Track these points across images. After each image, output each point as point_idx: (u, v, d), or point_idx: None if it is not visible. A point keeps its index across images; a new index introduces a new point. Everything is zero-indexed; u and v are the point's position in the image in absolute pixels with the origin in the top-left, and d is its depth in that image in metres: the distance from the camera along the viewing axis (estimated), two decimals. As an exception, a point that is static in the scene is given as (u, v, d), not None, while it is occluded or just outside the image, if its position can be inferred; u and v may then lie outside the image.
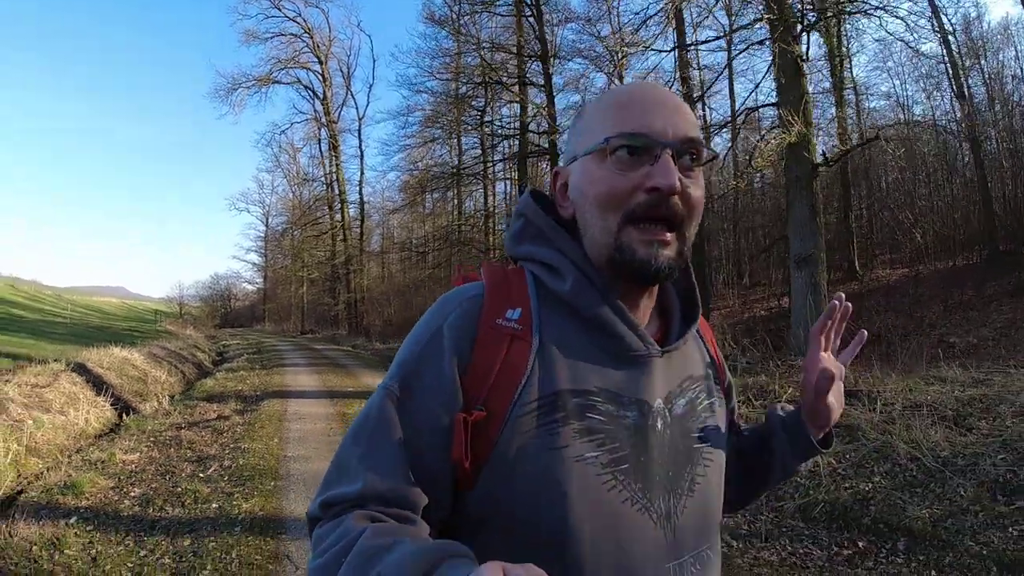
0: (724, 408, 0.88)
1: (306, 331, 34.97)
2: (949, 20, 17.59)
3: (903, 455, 4.23)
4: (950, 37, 17.12)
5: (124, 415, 8.36)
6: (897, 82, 21.36)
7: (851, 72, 20.44)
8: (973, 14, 19.12)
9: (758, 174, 16.01)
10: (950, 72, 17.94)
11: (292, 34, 31.66)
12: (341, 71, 32.85)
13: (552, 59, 15.58)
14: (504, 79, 17.36)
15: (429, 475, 0.69)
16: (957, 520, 3.44)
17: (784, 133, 8.14)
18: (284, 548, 3.65)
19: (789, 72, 8.81)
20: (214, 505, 4.38)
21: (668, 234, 0.72)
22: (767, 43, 9.38)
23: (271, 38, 31.02)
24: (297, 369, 13.74)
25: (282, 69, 31.38)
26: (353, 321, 30.20)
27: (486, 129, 19.87)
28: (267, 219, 43.95)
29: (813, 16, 9.17)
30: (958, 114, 17.72)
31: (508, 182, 23.25)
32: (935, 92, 20.74)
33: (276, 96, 45.61)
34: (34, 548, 3.61)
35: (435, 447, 0.69)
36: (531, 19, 16.03)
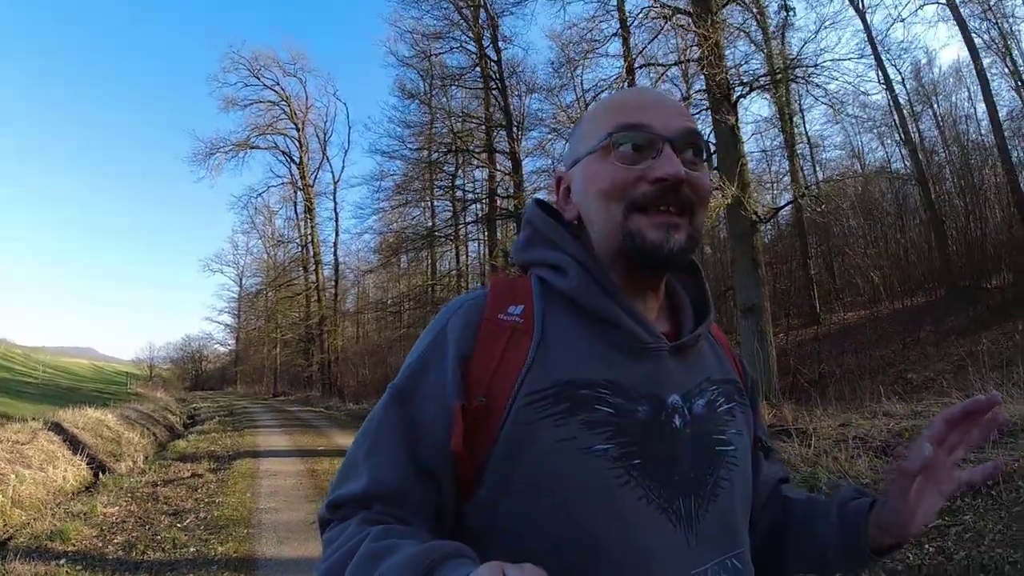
0: (748, 416, 0.86)
1: (278, 393, 34.85)
2: (898, 69, 19.08)
3: (825, 484, 4.68)
4: (897, 85, 18.46)
5: (100, 474, 8.67)
6: (851, 132, 22.76)
7: (804, 127, 21.97)
8: (924, 60, 20.32)
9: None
10: (896, 120, 19.23)
11: (270, 101, 32.81)
12: (318, 136, 33.91)
13: (517, 129, 16.65)
14: (473, 147, 18.41)
15: (432, 473, 0.70)
16: (917, 552, 3.77)
17: (722, 196, 9.00)
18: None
19: (724, 139, 9.76)
20: (192, 549, 4.83)
21: (679, 218, 0.74)
22: (706, 111, 10.32)
23: (249, 105, 32.16)
24: (269, 430, 14.03)
25: (260, 135, 32.39)
26: (326, 382, 30.29)
27: (457, 192, 20.85)
28: (241, 280, 44.14)
29: (740, 89, 10.23)
30: (907, 159, 19.07)
31: (479, 242, 24.10)
32: (887, 140, 22.31)
33: (253, 160, 46.33)
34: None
35: (437, 443, 0.69)
36: (495, 92, 17.16)
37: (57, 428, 9.98)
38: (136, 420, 14.38)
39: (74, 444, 9.59)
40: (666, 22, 10.32)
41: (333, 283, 32.55)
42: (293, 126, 32.96)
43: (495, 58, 16.77)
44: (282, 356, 38.69)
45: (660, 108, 0.76)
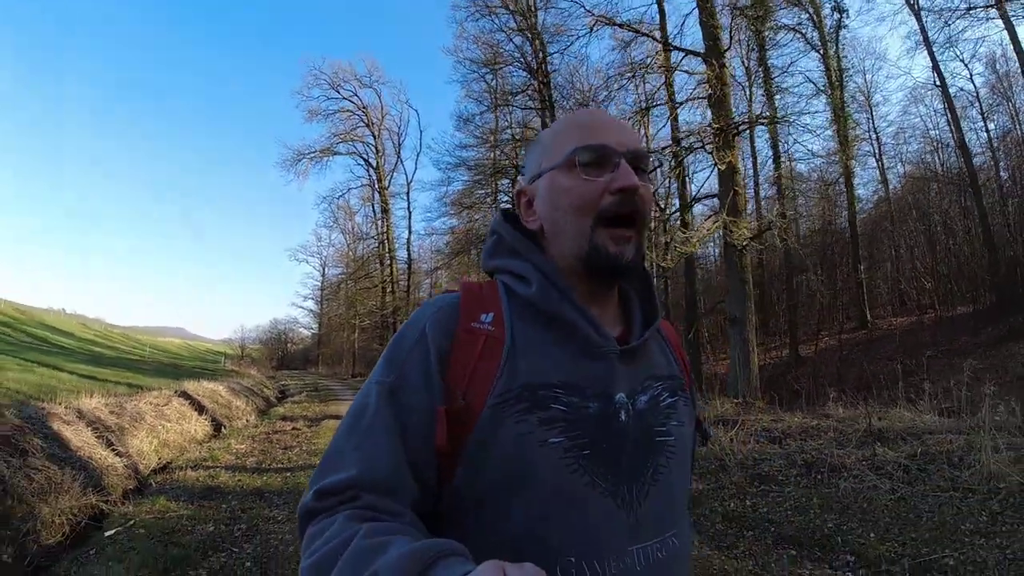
0: (689, 407, 0.94)
1: (356, 374, 38.21)
2: (966, 67, 19.23)
3: (729, 463, 6.29)
4: (963, 81, 18.68)
5: (219, 429, 11.38)
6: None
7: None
8: (999, 52, 20.05)
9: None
10: (951, 125, 19.73)
11: (349, 111, 36.08)
12: (392, 141, 37.01)
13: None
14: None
15: (416, 465, 0.75)
16: (739, 502, 5.17)
17: (715, 222, 10.75)
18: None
19: (725, 172, 11.48)
20: (300, 462, 7.31)
21: (629, 232, 0.84)
22: (706, 148, 12.03)
23: (331, 115, 35.51)
24: (348, 401, 16.69)
25: (340, 142, 35.67)
26: (399, 365, 33.21)
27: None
28: (324, 269, 47.71)
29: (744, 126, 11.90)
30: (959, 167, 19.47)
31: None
32: (938, 149, 22.81)
33: (334, 164, 50.11)
34: (197, 481, 6.51)
35: (421, 437, 0.75)
36: (547, 111, 19.24)
37: (184, 395, 12.81)
38: (240, 391, 17.33)
39: (198, 407, 12.37)
40: (671, 72, 12.08)
41: (406, 276, 35.54)
42: (370, 133, 36.19)
43: (545, 81, 18.79)
44: (360, 340, 42.00)
45: (614, 128, 0.86)
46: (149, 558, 4.06)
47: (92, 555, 4.32)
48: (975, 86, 20.69)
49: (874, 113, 24.27)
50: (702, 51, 12.61)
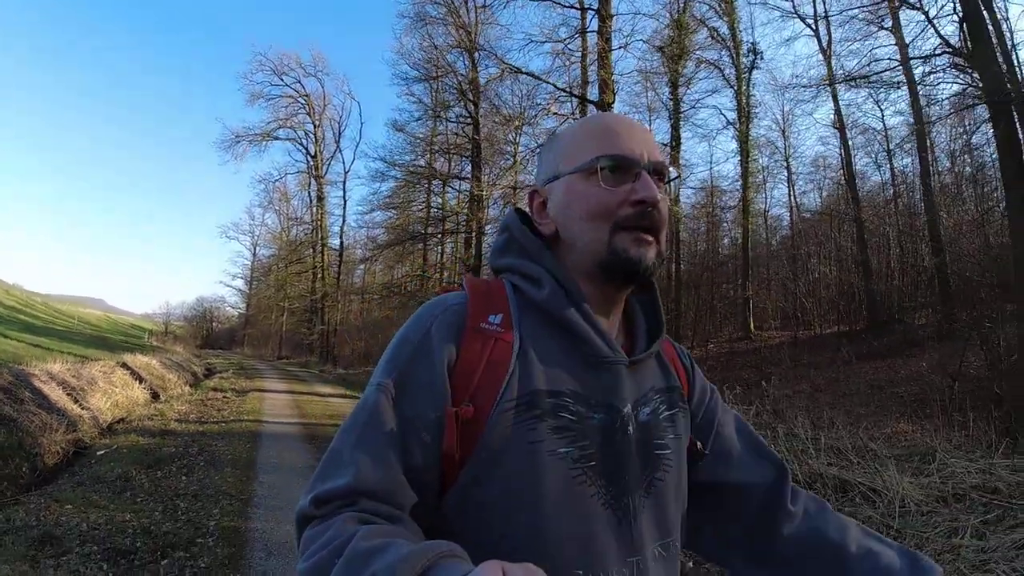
0: (687, 419, 0.95)
1: (282, 356, 40.16)
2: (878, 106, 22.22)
3: None
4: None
5: (156, 397, 13.62)
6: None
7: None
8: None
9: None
10: (843, 162, 22.62)
11: (291, 96, 37.85)
12: (333, 130, 38.97)
13: (483, 164, 21.46)
14: (454, 171, 23.34)
15: (418, 470, 0.75)
16: None
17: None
18: (261, 429, 9.04)
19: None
20: (232, 418, 9.90)
21: (651, 237, 0.84)
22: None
23: (273, 99, 37.20)
24: (272, 380, 19.22)
25: (280, 127, 37.42)
26: (324, 350, 35.44)
27: (435, 202, 25.79)
28: (255, 249, 49.06)
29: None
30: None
31: (455, 244, 28.99)
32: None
33: (273, 147, 51.26)
34: (154, 427, 8.91)
35: (425, 442, 0.75)
36: (472, 127, 21.88)
37: (125, 366, 14.95)
38: (171, 366, 19.38)
39: (138, 377, 14.56)
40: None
41: (338, 263, 37.64)
42: (311, 121, 38.06)
43: (475, 100, 21.37)
44: (288, 323, 43.63)
45: (638, 137, 0.86)
46: (137, 460, 6.55)
47: (92, 463, 6.75)
48: (884, 125, 23.79)
49: (787, 142, 27.82)
50: (596, 99, 15.46)
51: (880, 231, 22.13)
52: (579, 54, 17.35)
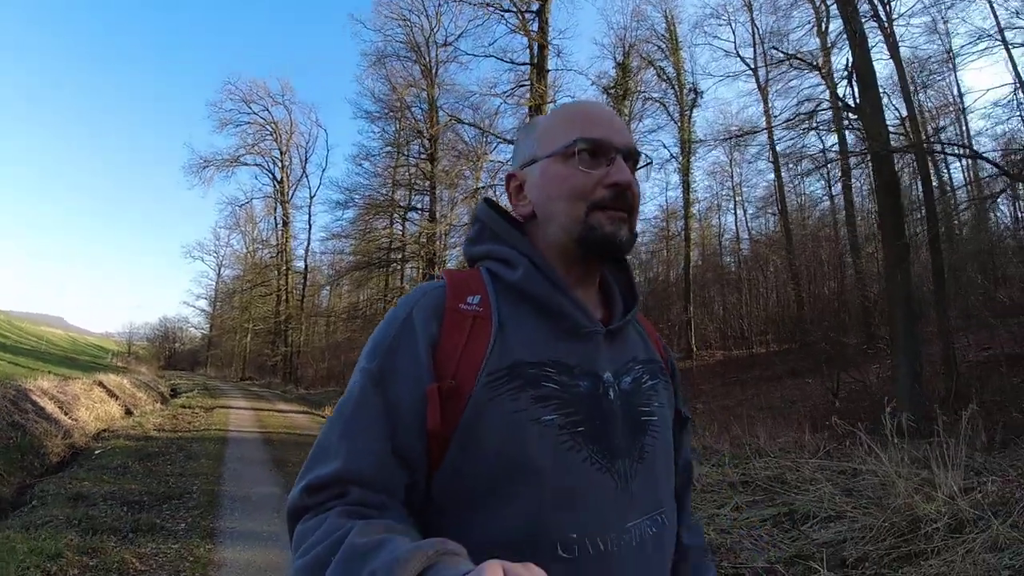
0: (669, 391, 0.99)
1: (246, 377, 41.64)
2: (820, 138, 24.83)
3: None
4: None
5: (129, 413, 15.45)
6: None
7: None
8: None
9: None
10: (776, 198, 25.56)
11: (260, 123, 39.86)
12: (299, 156, 41.01)
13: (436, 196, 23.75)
14: (412, 203, 25.57)
15: (406, 452, 0.77)
16: None
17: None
18: (227, 436, 11.03)
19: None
20: (203, 427, 11.86)
21: (624, 213, 0.90)
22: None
23: (241, 126, 39.22)
24: (236, 399, 21.10)
25: (247, 153, 39.39)
26: (287, 371, 37.12)
27: (397, 229, 27.96)
28: (220, 270, 50.17)
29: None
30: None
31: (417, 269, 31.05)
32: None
33: (241, 170, 53.18)
34: (137, 435, 10.83)
35: (412, 422, 0.78)
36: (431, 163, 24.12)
37: (100, 385, 16.78)
38: (140, 385, 21.14)
39: (112, 395, 16.40)
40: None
41: (302, 286, 39.46)
42: (277, 148, 40.08)
43: (432, 138, 23.57)
44: (252, 345, 45.07)
45: (613, 123, 0.92)
46: (130, 455, 8.54)
47: (93, 458, 8.70)
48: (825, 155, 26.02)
49: (733, 171, 30.23)
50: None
51: (815, 257, 24.67)
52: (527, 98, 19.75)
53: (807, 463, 6.15)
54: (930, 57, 15.92)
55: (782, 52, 14.83)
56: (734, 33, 22.52)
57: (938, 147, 12.03)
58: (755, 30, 23.93)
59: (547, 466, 0.77)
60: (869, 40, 11.52)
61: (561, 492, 0.77)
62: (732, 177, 30.19)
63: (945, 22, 14.88)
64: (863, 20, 11.59)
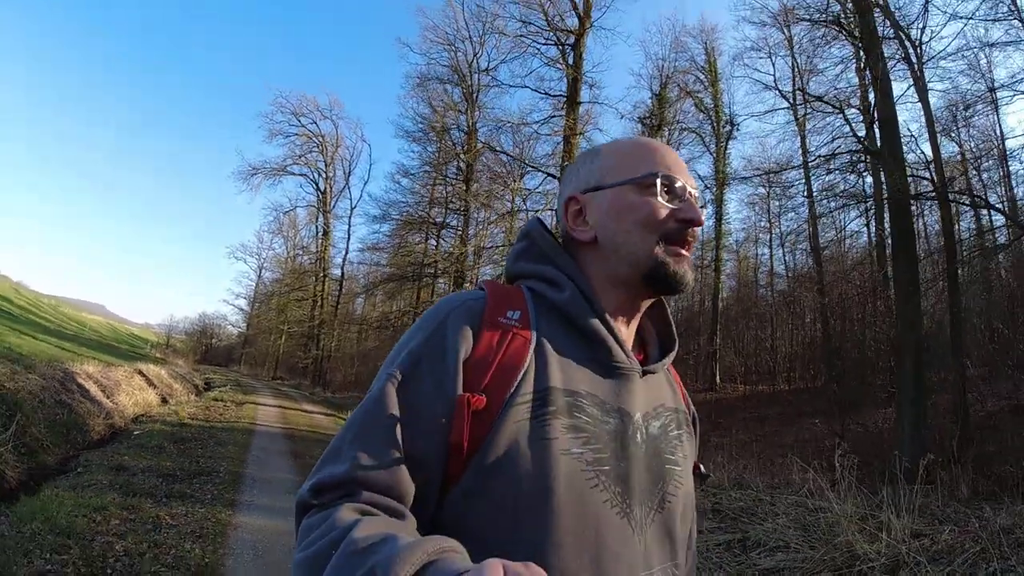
0: (693, 444, 0.99)
1: (277, 377, 42.81)
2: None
3: None
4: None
5: (165, 402, 16.42)
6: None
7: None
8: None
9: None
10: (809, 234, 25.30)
11: (308, 134, 41.47)
12: (343, 168, 42.48)
13: (469, 217, 24.56)
14: (447, 220, 26.49)
15: (422, 462, 0.75)
16: None
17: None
18: (255, 428, 11.85)
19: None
20: (233, 419, 12.74)
21: (687, 252, 0.90)
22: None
23: (290, 136, 40.92)
24: (265, 396, 22.07)
25: (294, 164, 41.01)
26: (317, 375, 38.20)
27: (431, 244, 28.86)
28: (260, 272, 51.63)
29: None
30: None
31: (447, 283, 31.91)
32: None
33: (287, 178, 55.09)
34: (172, 421, 11.70)
35: (432, 432, 0.76)
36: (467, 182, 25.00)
37: (140, 373, 17.83)
38: (176, 377, 22.24)
39: (151, 383, 17.43)
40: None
41: (337, 294, 40.68)
42: (323, 160, 41.64)
43: (470, 163, 24.48)
44: (285, 346, 46.19)
45: (683, 167, 0.94)
46: (166, 438, 9.36)
47: (132, 438, 9.54)
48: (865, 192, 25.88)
49: (770, 204, 30.41)
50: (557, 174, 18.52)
51: (845, 296, 24.57)
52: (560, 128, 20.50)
53: (783, 499, 6.49)
54: (968, 93, 15.20)
55: (809, 93, 15.16)
56: (774, 66, 22.73)
57: (951, 196, 12.08)
58: (795, 64, 24.28)
59: (569, 501, 0.75)
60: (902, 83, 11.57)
61: (578, 531, 0.75)
62: (769, 210, 30.37)
63: (988, 61, 14.46)
64: (894, 62, 11.88)
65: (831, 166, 14.52)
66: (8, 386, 8.11)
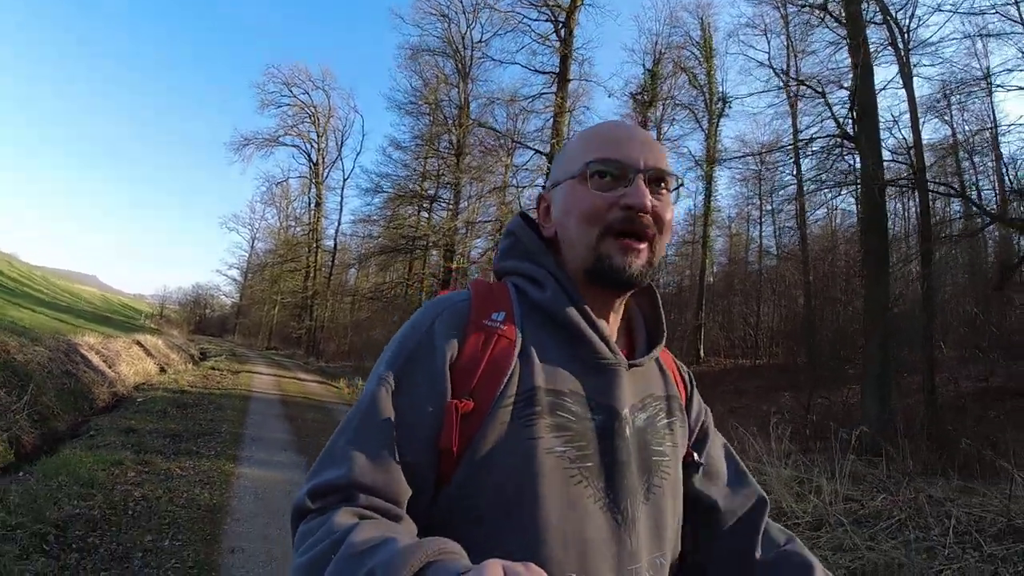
0: (684, 429, 0.97)
1: (271, 347, 43.33)
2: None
3: None
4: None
5: (163, 371, 16.97)
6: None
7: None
8: None
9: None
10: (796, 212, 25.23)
11: (300, 105, 41.56)
12: (335, 139, 42.68)
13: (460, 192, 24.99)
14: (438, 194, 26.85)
15: (415, 465, 0.77)
16: None
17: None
18: (251, 395, 12.44)
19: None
20: (230, 387, 13.39)
21: (640, 244, 0.86)
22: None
23: (282, 107, 41.05)
24: (260, 365, 22.72)
25: (286, 134, 41.19)
26: (310, 345, 38.80)
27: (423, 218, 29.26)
28: (253, 242, 51.74)
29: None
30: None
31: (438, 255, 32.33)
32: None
33: (280, 149, 55.02)
34: (172, 388, 12.27)
35: (423, 436, 0.77)
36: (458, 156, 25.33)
37: (138, 344, 18.36)
38: (172, 347, 22.77)
39: (149, 353, 17.95)
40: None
41: (330, 265, 41.13)
42: (315, 131, 41.84)
43: (462, 136, 24.78)
44: (279, 317, 46.56)
45: (633, 143, 0.88)
46: (169, 404, 9.95)
47: (137, 404, 10.10)
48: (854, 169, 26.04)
49: (761, 186, 30.73)
50: (547, 151, 18.95)
51: (828, 273, 25.05)
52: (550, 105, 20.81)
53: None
54: (961, 76, 15.20)
55: (792, 76, 15.47)
56: (769, 44, 22.87)
57: (928, 183, 12.42)
58: (790, 43, 24.30)
59: (554, 499, 0.76)
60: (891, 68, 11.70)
61: (564, 528, 0.76)
62: (760, 188, 30.68)
63: (985, 45, 14.80)
64: (881, 46, 12.30)
65: (812, 148, 14.87)
66: (19, 358, 8.63)
